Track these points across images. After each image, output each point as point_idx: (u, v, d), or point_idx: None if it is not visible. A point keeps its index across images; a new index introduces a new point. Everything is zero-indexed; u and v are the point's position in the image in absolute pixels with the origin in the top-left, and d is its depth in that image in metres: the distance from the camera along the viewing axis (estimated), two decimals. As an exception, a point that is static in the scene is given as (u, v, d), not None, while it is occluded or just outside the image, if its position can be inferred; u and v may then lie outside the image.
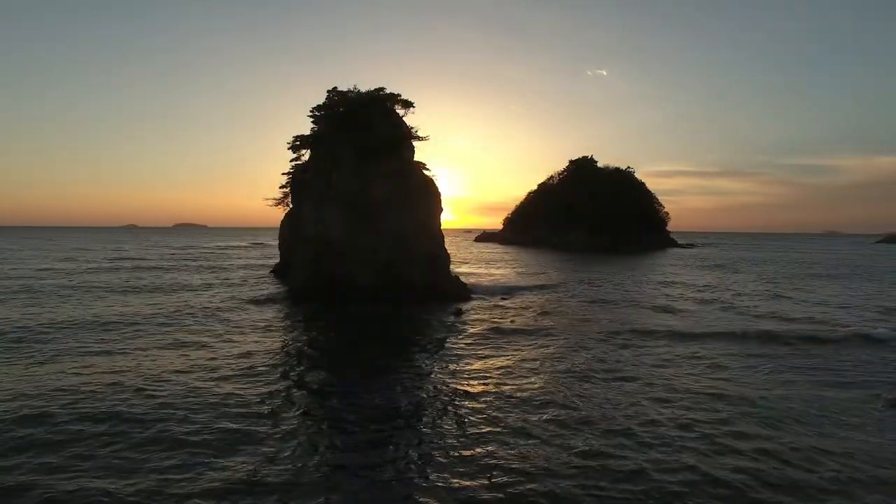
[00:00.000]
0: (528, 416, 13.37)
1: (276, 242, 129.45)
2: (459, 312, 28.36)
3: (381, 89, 37.11)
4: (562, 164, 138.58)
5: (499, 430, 12.51)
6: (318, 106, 39.28)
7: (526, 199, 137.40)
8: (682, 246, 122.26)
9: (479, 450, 11.41)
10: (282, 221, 47.68)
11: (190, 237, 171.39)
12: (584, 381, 16.65)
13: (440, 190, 35.22)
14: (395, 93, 36.70)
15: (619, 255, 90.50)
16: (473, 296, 34.46)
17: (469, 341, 22.17)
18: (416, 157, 36.04)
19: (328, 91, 38.25)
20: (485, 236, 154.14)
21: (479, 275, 48.20)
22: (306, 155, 43.75)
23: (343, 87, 37.31)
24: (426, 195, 33.85)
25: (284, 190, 48.07)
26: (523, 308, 31.13)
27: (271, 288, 38.97)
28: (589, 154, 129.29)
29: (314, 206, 34.34)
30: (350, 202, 32.41)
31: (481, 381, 16.48)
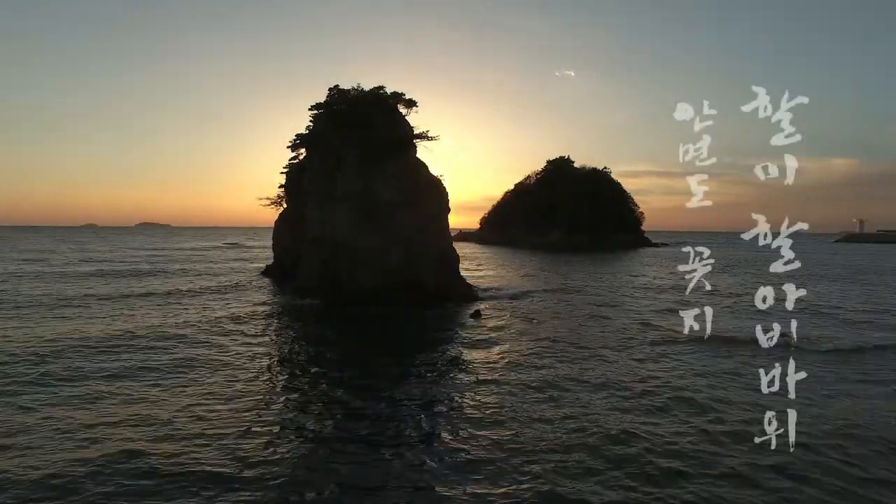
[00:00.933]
0: (594, 444, 11.68)
1: (251, 243, 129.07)
2: (478, 315, 28.01)
3: (381, 88, 36.74)
4: (532, 164, 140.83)
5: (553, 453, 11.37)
6: (319, 104, 38.86)
7: (503, 199, 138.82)
8: (656, 245, 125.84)
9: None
10: (276, 222, 47.00)
11: (158, 237, 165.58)
12: (645, 397, 15.03)
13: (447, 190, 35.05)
14: (399, 92, 36.46)
15: (602, 254, 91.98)
16: (481, 297, 34.44)
17: (498, 346, 21.65)
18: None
19: (329, 89, 37.97)
20: (462, 236, 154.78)
21: (471, 276, 48.78)
22: (303, 154, 43.39)
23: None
24: (435, 195, 33.79)
25: (280, 191, 47.72)
26: (538, 311, 30.50)
27: (272, 290, 38.54)
28: (562, 154, 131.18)
29: (318, 206, 34.04)
30: (357, 202, 32.21)
31: (517, 390, 15.68)
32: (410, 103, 36.37)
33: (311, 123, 42.48)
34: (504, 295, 36.46)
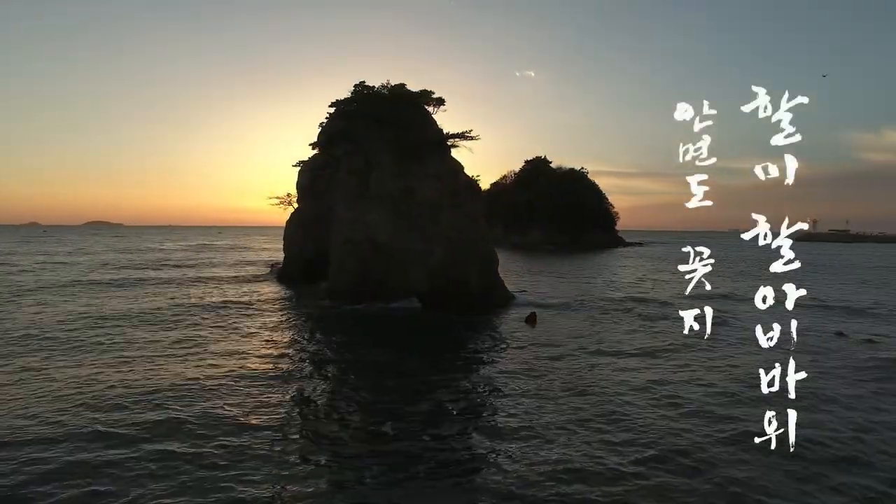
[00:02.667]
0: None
1: (220, 242, 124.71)
2: (533, 320, 26.60)
3: (402, 85, 36.14)
4: (495, 165, 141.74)
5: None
6: (346, 100, 37.83)
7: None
8: (631, 244, 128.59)
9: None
10: (288, 222, 45.30)
11: (115, 238, 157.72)
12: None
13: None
14: (429, 90, 35.93)
15: (586, 253, 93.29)
16: (519, 302, 32.99)
17: (568, 355, 20.39)
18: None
19: (355, 85, 37.14)
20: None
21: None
22: (313, 152, 42.08)
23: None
24: (473, 195, 33.37)
25: (288, 191, 46.31)
26: (588, 316, 28.78)
27: (296, 295, 36.90)
28: (533, 155, 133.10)
29: (348, 207, 32.98)
30: (395, 203, 31.49)
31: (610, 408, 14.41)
32: (439, 102, 35.84)
33: (325, 120, 41.73)
34: (537, 297, 35.76)
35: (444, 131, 34.82)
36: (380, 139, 33.19)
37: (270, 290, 39.60)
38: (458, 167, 33.81)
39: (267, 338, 23.10)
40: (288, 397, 15.42)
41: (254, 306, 31.14)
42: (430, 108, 35.82)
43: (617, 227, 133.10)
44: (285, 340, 22.97)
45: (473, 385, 16.90)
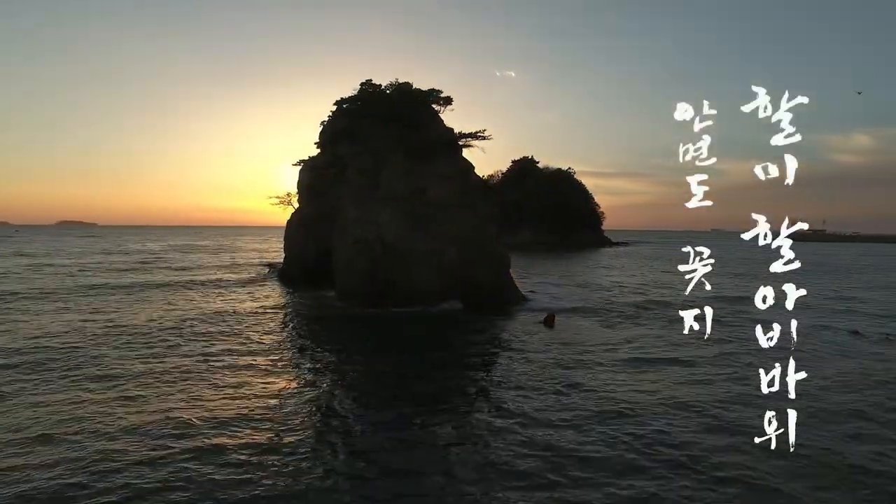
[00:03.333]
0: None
1: (206, 243, 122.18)
2: (551, 321, 26.39)
3: (409, 84, 35.74)
4: (477, 165, 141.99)
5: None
6: (351, 98, 37.10)
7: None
8: (617, 244, 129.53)
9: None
10: (289, 222, 44.53)
11: (91, 238, 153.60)
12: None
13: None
14: (436, 89, 35.61)
15: (579, 253, 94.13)
16: (531, 303, 32.67)
17: (594, 360, 20.03)
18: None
19: (361, 84, 36.59)
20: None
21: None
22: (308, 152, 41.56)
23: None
24: (484, 196, 33.24)
25: (289, 191, 45.48)
26: (610, 321, 28.19)
27: (303, 294, 35.94)
28: (515, 155, 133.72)
29: (357, 207, 32.48)
30: (406, 203, 31.08)
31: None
32: (447, 101, 35.48)
33: (326, 119, 41.26)
34: (547, 298, 35.55)
35: (454, 131, 34.50)
36: (389, 138, 32.74)
37: (275, 292, 38.70)
38: (469, 167, 33.63)
39: (283, 345, 22.53)
40: (312, 400, 15.12)
41: (263, 313, 30.02)
42: (437, 107, 35.49)
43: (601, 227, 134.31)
44: (301, 346, 22.39)
45: (500, 385, 16.70)
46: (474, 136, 33.64)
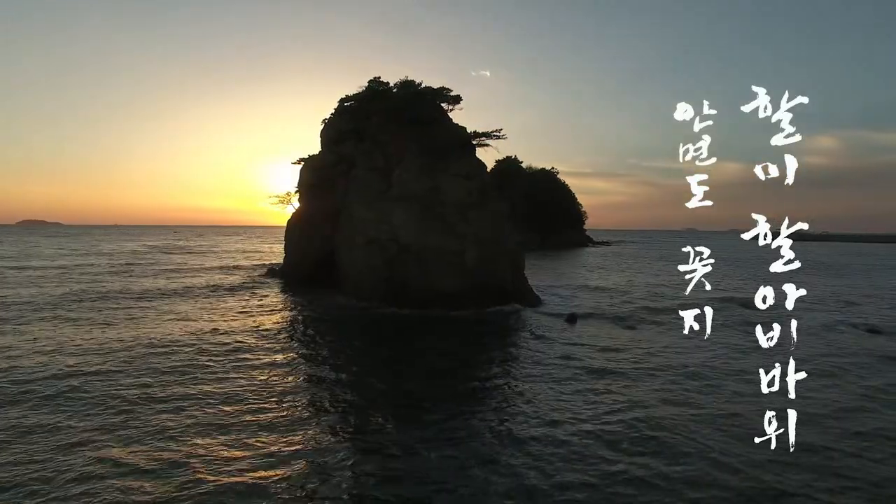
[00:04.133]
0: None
1: (191, 243, 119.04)
2: (574, 320, 26.55)
3: (412, 82, 35.07)
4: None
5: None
6: (357, 96, 36.28)
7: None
8: (599, 243, 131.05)
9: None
10: (290, 222, 43.49)
11: (60, 238, 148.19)
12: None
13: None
14: (446, 87, 35.03)
15: (568, 252, 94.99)
16: (546, 304, 32.44)
17: (629, 358, 20.13)
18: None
19: (369, 81, 35.93)
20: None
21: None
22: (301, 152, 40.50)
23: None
24: (498, 196, 32.80)
25: (291, 189, 44.56)
26: (628, 316, 28.20)
27: (306, 296, 34.41)
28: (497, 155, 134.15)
29: (369, 206, 31.83)
30: (421, 203, 30.57)
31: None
32: (455, 100, 34.97)
33: (329, 116, 40.50)
34: (558, 298, 35.22)
35: (468, 129, 34.08)
36: (400, 137, 32.15)
37: (281, 295, 37.18)
38: (483, 166, 33.30)
39: (307, 349, 21.92)
40: (334, 401, 14.54)
41: (275, 317, 29.09)
42: (445, 106, 35.03)
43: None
44: (324, 348, 21.79)
45: (537, 383, 16.35)
46: (489, 135, 33.33)
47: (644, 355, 20.27)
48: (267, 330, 24.28)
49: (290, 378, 17.01)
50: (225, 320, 26.23)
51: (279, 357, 19.56)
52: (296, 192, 45.22)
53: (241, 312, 28.44)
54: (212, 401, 14.36)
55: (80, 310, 28.18)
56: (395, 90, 35.36)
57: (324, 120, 41.69)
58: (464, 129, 33.80)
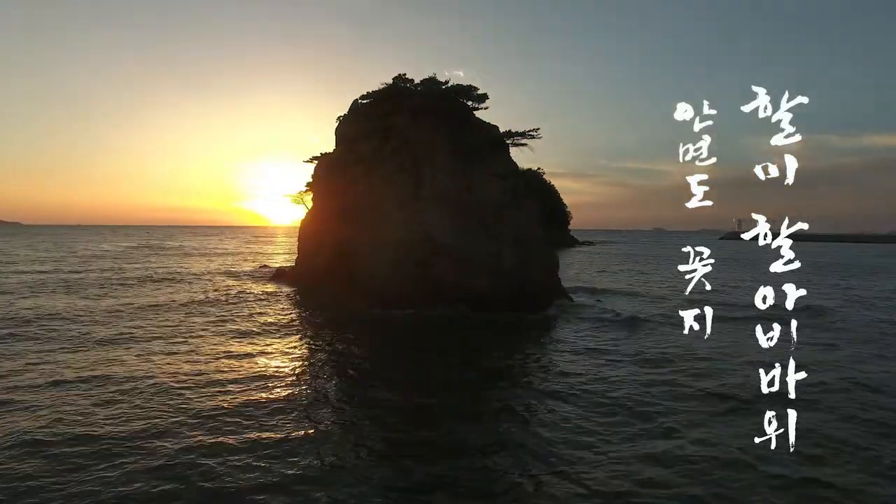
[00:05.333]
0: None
1: (153, 241, 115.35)
2: (622, 319, 26.66)
3: (436, 81, 34.30)
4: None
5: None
6: (381, 93, 35.55)
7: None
8: (584, 244, 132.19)
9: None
10: (303, 221, 42.59)
11: (21, 237, 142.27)
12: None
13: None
14: (472, 85, 34.23)
15: (560, 251, 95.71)
16: (579, 304, 32.14)
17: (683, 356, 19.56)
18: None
19: (394, 78, 35.20)
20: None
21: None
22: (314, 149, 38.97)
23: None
24: (530, 196, 32.54)
25: (306, 187, 44.22)
26: (663, 322, 26.85)
27: (321, 298, 33.39)
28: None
29: (401, 206, 30.97)
30: (455, 203, 29.98)
31: None
32: (482, 98, 34.25)
33: (343, 115, 39.57)
34: (586, 298, 35.08)
35: (501, 129, 33.67)
36: (430, 135, 31.49)
37: (297, 297, 35.88)
38: (516, 166, 32.99)
39: (339, 354, 21.25)
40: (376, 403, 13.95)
41: (299, 321, 28.26)
42: (470, 104, 34.31)
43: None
44: (363, 354, 21.14)
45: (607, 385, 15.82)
46: (525, 134, 32.85)
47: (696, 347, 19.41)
48: (301, 338, 23.57)
49: (345, 386, 16.26)
50: (253, 335, 24.61)
51: (321, 366, 18.96)
52: (306, 190, 44.71)
53: (270, 322, 26.26)
54: (261, 414, 13.54)
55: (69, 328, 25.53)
56: (419, 87, 34.64)
57: (339, 117, 40.70)
58: (496, 127, 33.33)
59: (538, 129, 33.20)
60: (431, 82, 34.35)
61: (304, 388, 15.84)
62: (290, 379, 16.61)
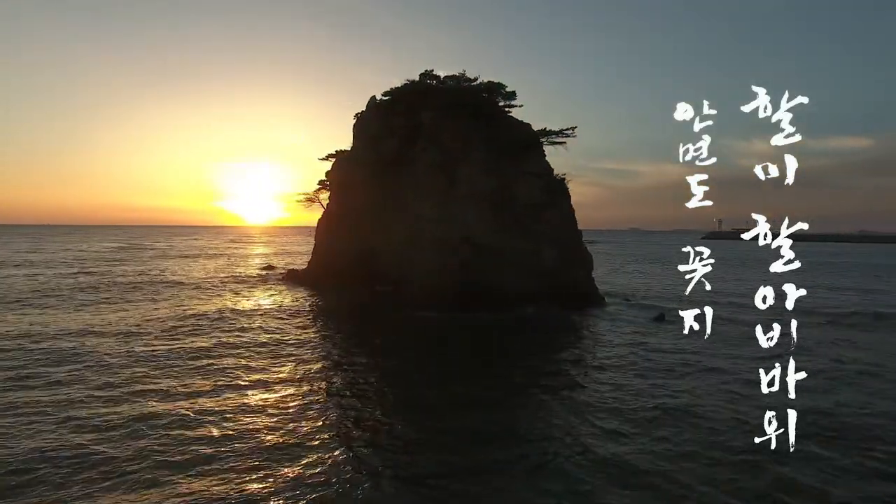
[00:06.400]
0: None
1: (150, 243, 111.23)
2: (662, 318, 26.34)
3: (465, 78, 33.67)
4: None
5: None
6: (405, 89, 34.85)
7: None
8: None
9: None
10: (320, 220, 41.64)
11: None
12: None
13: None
14: (500, 83, 33.71)
15: None
16: (614, 304, 31.95)
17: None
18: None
19: (421, 74, 34.81)
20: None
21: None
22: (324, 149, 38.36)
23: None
24: (566, 195, 32.05)
25: (320, 188, 43.41)
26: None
27: (344, 300, 32.03)
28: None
29: (435, 205, 30.30)
30: (491, 201, 29.60)
31: None
32: (511, 96, 33.74)
33: (362, 112, 38.94)
34: (623, 296, 34.68)
35: (534, 127, 33.14)
36: (461, 133, 31.01)
37: (321, 298, 34.00)
38: (550, 165, 32.63)
39: (383, 358, 20.75)
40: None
41: (323, 324, 27.02)
42: (502, 103, 34.06)
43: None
44: (404, 357, 20.56)
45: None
46: (562, 132, 32.32)
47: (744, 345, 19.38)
48: (341, 342, 22.89)
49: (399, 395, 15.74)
50: (291, 348, 23.14)
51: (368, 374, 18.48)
52: (317, 190, 44.01)
53: (299, 328, 24.64)
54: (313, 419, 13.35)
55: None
56: (448, 83, 34.28)
57: (357, 115, 39.88)
58: (529, 125, 32.90)
59: (575, 127, 32.49)
60: (460, 79, 33.93)
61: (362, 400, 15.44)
62: (340, 398, 15.96)
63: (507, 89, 33.44)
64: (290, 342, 21.77)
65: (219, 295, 35.60)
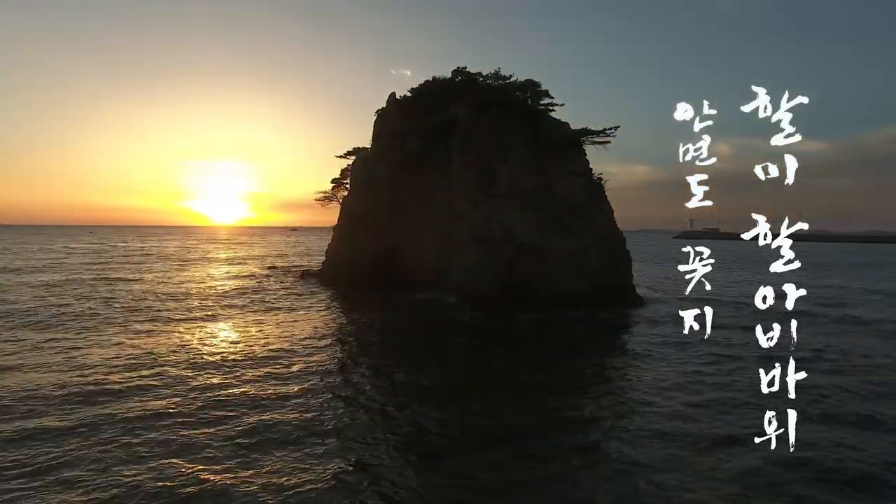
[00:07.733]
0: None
1: (114, 242, 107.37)
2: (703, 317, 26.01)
3: (501, 76, 33.39)
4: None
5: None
6: (434, 86, 34.62)
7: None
8: None
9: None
10: (339, 217, 40.99)
11: None
12: None
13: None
14: (534, 80, 33.18)
15: None
16: (655, 304, 31.61)
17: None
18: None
19: (453, 71, 34.67)
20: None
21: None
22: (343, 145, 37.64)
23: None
24: (604, 195, 31.95)
25: (337, 184, 43.44)
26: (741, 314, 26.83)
27: (374, 301, 31.06)
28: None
29: (476, 204, 29.75)
30: (534, 201, 29.21)
31: None
32: (544, 94, 33.29)
33: (383, 109, 38.30)
34: (655, 296, 34.24)
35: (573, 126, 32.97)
36: (502, 130, 30.65)
37: (347, 302, 32.47)
38: (590, 165, 32.57)
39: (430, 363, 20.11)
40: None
41: (361, 329, 25.88)
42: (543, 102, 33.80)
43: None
44: (451, 361, 19.89)
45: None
46: (603, 132, 31.86)
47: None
48: (387, 349, 22.14)
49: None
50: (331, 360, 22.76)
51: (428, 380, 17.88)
52: (335, 187, 43.49)
53: (327, 334, 23.01)
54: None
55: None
56: (485, 81, 34.00)
57: (378, 111, 39.02)
58: (567, 125, 32.71)
59: (618, 126, 31.93)
60: (495, 77, 33.74)
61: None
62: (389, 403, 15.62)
63: (541, 88, 33.10)
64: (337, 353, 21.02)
65: (277, 308, 31.35)
